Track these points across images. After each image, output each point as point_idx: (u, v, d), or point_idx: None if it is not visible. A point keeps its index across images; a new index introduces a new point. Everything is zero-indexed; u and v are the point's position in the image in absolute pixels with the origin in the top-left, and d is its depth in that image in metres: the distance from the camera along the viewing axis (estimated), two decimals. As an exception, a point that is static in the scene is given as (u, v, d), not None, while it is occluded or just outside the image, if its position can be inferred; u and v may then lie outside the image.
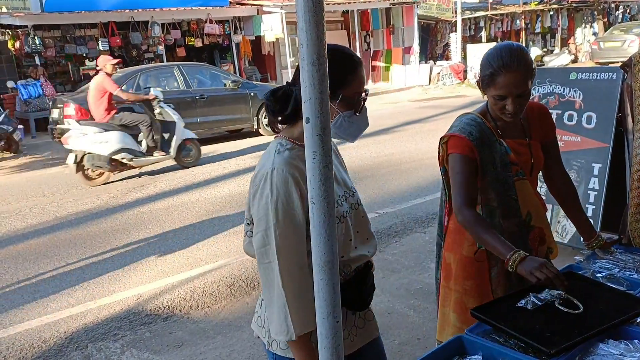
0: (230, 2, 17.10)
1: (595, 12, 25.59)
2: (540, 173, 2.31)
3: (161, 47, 15.57)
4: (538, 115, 2.22)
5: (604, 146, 4.10)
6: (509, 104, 2.01)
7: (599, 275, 1.97)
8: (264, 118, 11.40)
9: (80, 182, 7.83)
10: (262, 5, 16.91)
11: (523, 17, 24.17)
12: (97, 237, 5.63)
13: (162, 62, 15.44)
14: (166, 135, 8.29)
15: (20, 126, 11.46)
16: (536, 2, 25.30)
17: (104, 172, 7.92)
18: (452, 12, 21.68)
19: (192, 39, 16.33)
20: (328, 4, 18.69)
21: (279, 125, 1.76)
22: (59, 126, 9.88)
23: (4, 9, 14.07)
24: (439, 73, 19.31)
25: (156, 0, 15.14)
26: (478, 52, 18.83)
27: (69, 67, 15.86)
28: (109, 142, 7.62)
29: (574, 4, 26.05)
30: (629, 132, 3.13)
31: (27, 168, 9.77)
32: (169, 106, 8.45)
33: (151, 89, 8.60)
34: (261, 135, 11.39)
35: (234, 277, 4.39)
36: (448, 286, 2.28)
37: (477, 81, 2.14)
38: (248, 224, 1.80)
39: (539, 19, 24.94)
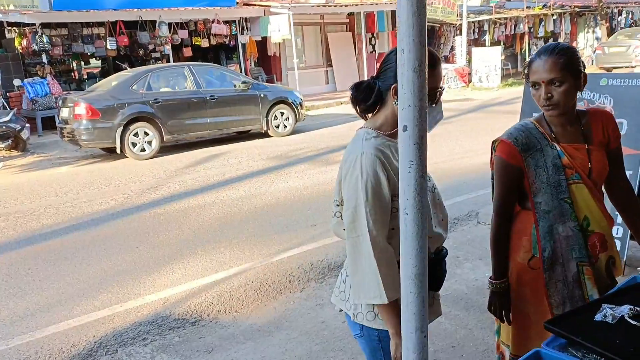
0: (238, 3, 17.06)
1: (598, 17, 25.67)
2: None
3: (168, 47, 15.50)
4: (602, 120, 2.18)
5: (636, 153, 4.06)
6: (542, 92, 2.01)
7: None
8: (274, 120, 11.36)
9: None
10: (269, 5, 16.88)
11: (526, 21, 24.21)
12: (115, 238, 5.58)
13: (169, 61, 15.38)
14: None
15: (27, 124, 11.39)
16: (539, 7, 25.37)
17: None
18: (457, 15, 21.67)
19: (199, 39, 16.25)
20: (335, 5, 18.68)
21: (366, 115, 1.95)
22: (68, 125, 9.88)
23: (12, 7, 13.99)
24: (444, 76, 19.30)
25: (164, 0, 15.07)
26: (483, 55, 18.86)
27: (74, 65, 15.78)
28: None
29: (577, 9, 26.11)
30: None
31: (36, 167, 9.70)
32: None
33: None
34: (270, 136, 11.34)
35: (260, 281, 4.35)
36: None
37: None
38: (337, 205, 1.94)
39: (542, 23, 25.03)
